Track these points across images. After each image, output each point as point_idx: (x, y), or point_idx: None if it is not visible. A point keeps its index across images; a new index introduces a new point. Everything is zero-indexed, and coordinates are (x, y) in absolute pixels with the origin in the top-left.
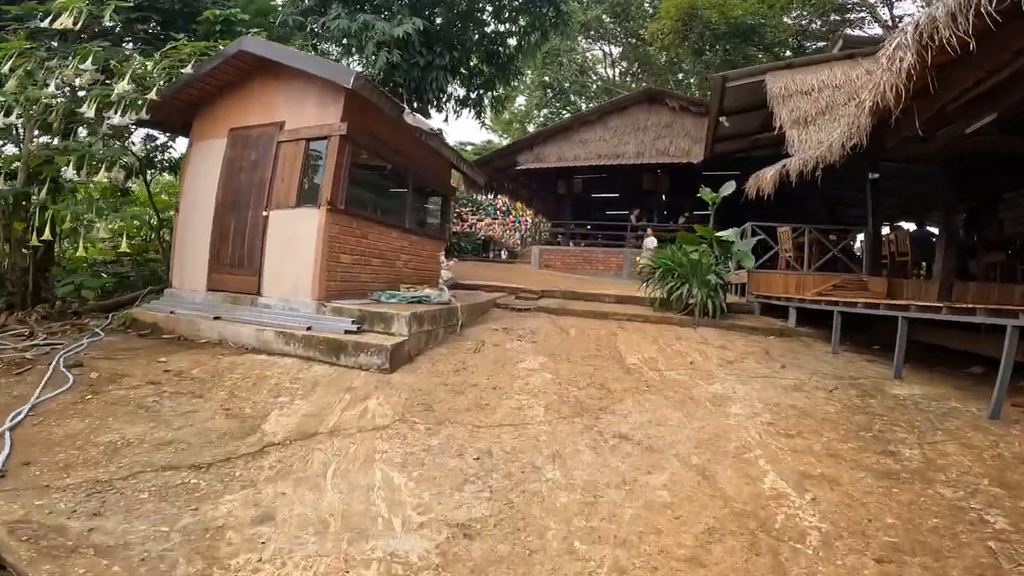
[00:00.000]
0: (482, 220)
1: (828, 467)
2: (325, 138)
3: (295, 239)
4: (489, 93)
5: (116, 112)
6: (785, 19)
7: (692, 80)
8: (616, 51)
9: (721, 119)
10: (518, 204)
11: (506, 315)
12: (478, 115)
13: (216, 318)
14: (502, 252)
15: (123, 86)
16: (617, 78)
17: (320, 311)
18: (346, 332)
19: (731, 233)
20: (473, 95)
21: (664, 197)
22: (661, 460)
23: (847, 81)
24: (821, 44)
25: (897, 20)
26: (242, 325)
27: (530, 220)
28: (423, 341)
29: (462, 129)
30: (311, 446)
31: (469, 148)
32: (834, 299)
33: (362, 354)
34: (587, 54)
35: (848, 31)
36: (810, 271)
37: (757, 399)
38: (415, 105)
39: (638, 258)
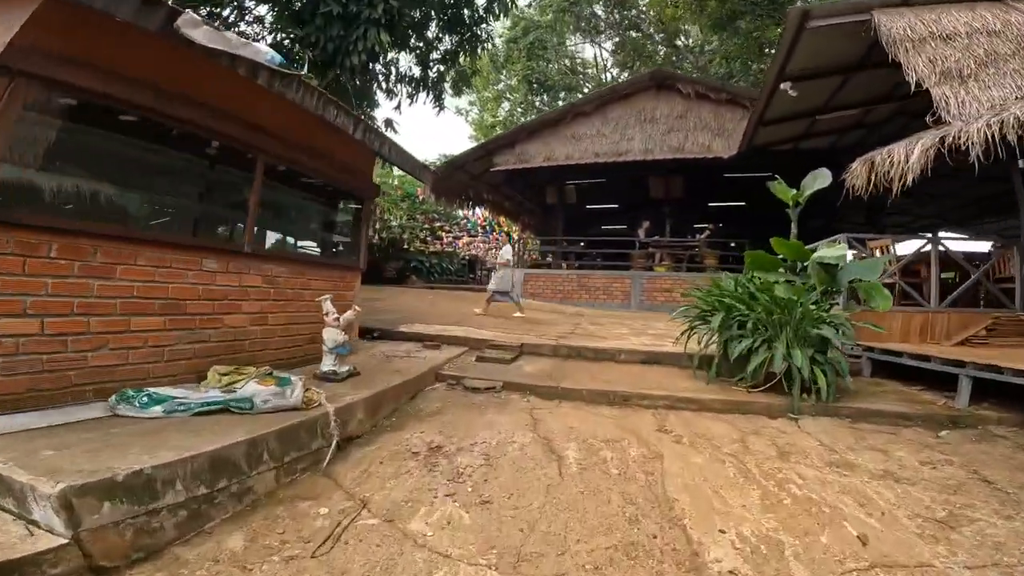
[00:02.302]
0: (460, 238)
1: None
2: None
3: None
4: (451, 70)
5: None
6: None
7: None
8: (609, 45)
9: (783, 86)
10: (501, 218)
11: (450, 404)
12: (437, 99)
13: None
14: (492, 274)
15: None
16: (610, 79)
17: None
18: None
19: (838, 252)
20: (432, 73)
21: (667, 209)
22: None
23: (1006, 26)
24: None
25: None
26: None
27: (516, 237)
28: (169, 529)
29: (448, 140)
30: None
31: None
32: None
33: None
34: (577, 57)
35: None
36: (942, 307)
37: None
38: (339, 77)
39: (497, 261)
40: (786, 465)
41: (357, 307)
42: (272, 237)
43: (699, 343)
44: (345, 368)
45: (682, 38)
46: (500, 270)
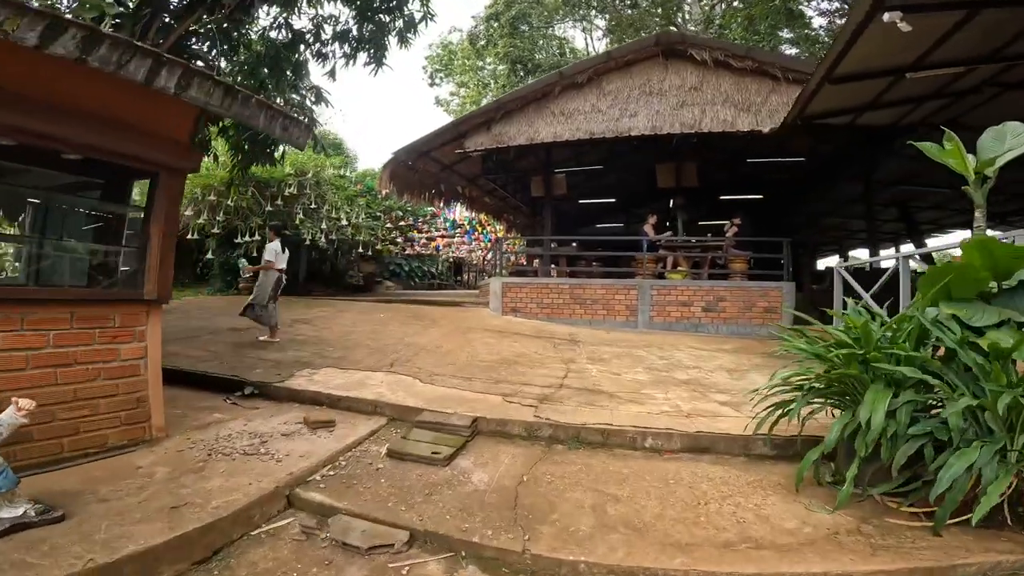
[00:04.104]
0: (434, 239)
1: None
2: None
3: None
4: (398, 20)
5: None
6: None
7: None
8: (602, 23)
9: (888, 16)
10: (482, 217)
11: None
12: (377, 58)
13: None
14: (483, 277)
15: None
16: None
17: None
18: None
19: None
20: (370, 27)
21: (679, 202)
22: None
23: None
24: None
25: None
26: None
27: (506, 242)
28: None
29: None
30: None
31: None
32: None
33: None
34: (567, 44)
35: None
36: None
37: None
38: (207, 25)
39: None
40: None
41: (22, 401)
42: None
43: (800, 422)
44: (15, 512)
45: (683, 14)
46: (261, 276)
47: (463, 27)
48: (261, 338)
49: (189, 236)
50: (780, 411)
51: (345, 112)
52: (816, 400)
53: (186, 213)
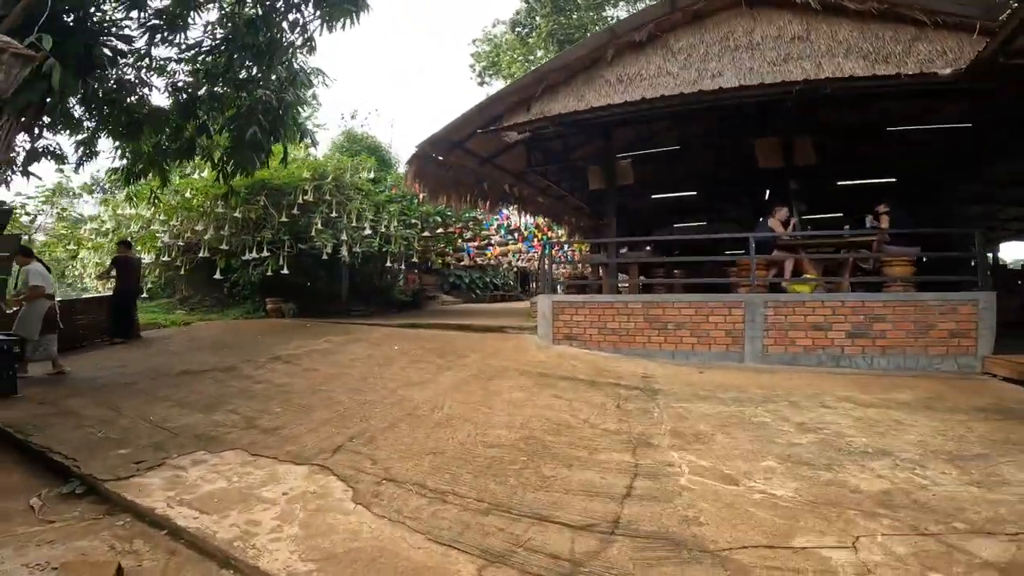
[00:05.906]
0: (488, 246)
1: None
2: None
3: None
4: None
5: None
6: None
7: None
8: None
9: None
10: (539, 220)
11: None
12: (356, 6)
13: None
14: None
15: None
16: None
17: None
18: None
19: None
20: None
21: (794, 187)
22: None
23: None
24: None
25: None
26: None
27: (567, 247)
28: None
29: None
30: None
31: None
32: None
33: None
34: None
35: None
36: None
37: None
38: None
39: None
40: None
41: None
42: None
43: None
44: None
45: None
46: (24, 307)
47: (505, 18)
48: (43, 373)
49: (202, 253)
50: None
51: (386, 116)
52: None
53: (197, 228)
